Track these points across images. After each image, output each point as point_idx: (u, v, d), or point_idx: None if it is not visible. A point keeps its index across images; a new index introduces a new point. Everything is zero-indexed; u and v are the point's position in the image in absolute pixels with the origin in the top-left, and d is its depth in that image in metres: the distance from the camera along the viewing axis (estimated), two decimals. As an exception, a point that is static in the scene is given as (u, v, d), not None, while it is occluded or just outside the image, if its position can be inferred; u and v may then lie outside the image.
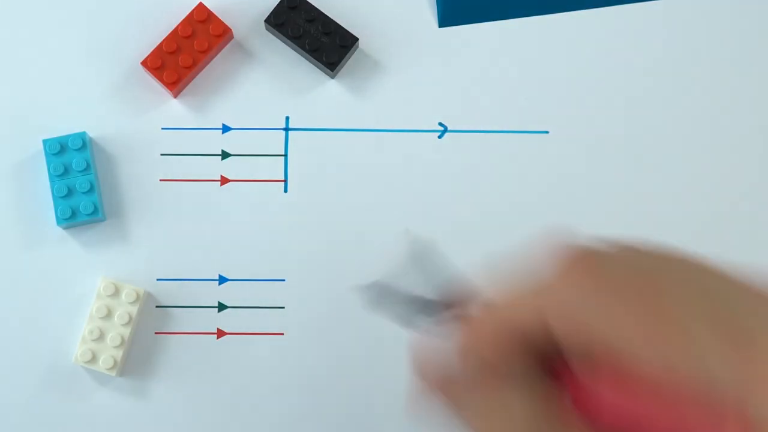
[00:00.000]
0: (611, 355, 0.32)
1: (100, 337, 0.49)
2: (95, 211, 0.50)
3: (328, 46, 0.52)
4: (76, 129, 0.52)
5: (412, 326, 0.41)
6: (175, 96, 0.53)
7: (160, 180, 0.52)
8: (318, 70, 0.53)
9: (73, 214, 0.50)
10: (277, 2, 0.53)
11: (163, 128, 0.53)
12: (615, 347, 0.32)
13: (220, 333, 0.51)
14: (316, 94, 0.53)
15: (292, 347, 0.50)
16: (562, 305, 0.33)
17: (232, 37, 0.53)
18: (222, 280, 0.51)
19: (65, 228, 0.51)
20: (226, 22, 0.52)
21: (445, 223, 0.52)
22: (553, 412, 0.34)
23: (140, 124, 0.52)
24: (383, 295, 0.47)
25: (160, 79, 0.52)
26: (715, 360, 0.30)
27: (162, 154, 0.52)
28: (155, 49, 0.52)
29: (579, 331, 0.33)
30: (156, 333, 0.51)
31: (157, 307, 0.51)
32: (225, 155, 0.52)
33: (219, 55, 0.53)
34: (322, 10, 0.53)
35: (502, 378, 0.35)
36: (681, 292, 0.32)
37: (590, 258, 0.34)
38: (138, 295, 0.50)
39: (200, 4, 0.52)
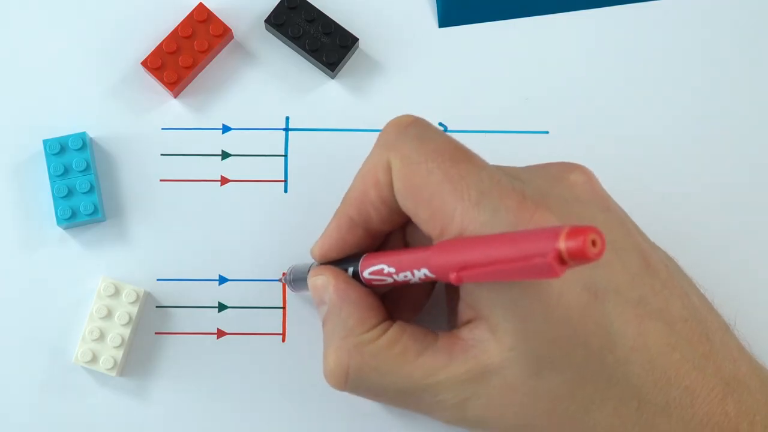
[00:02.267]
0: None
1: (100, 337, 0.49)
2: (95, 211, 0.50)
3: (328, 46, 0.52)
4: (76, 129, 0.52)
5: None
6: (175, 96, 0.53)
7: (160, 180, 0.52)
8: (318, 70, 0.53)
9: (73, 214, 0.50)
10: (277, 2, 0.53)
11: (163, 128, 0.53)
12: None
13: (220, 333, 0.51)
14: (316, 94, 0.53)
15: (292, 347, 0.50)
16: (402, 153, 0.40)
17: (232, 37, 0.53)
18: (222, 280, 0.51)
19: (65, 228, 0.51)
20: (226, 22, 0.53)
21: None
22: None
23: (140, 124, 0.52)
24: (298, 276, 0.48)
25: (160, 79, 0.52)
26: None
27: (162, 154, 0.52)
28: (155, 49, 0.52)
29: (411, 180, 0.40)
30: (156, 333, 0.51)
31: (157, 307, 0.51)
32: (225, 155, 0.52)
33: (219, 55, 0.53)
34: (322, 11, 0.53)
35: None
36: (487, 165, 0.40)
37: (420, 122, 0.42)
38: (138, 295, 0.50)
39: (200, 4, 0.52)
